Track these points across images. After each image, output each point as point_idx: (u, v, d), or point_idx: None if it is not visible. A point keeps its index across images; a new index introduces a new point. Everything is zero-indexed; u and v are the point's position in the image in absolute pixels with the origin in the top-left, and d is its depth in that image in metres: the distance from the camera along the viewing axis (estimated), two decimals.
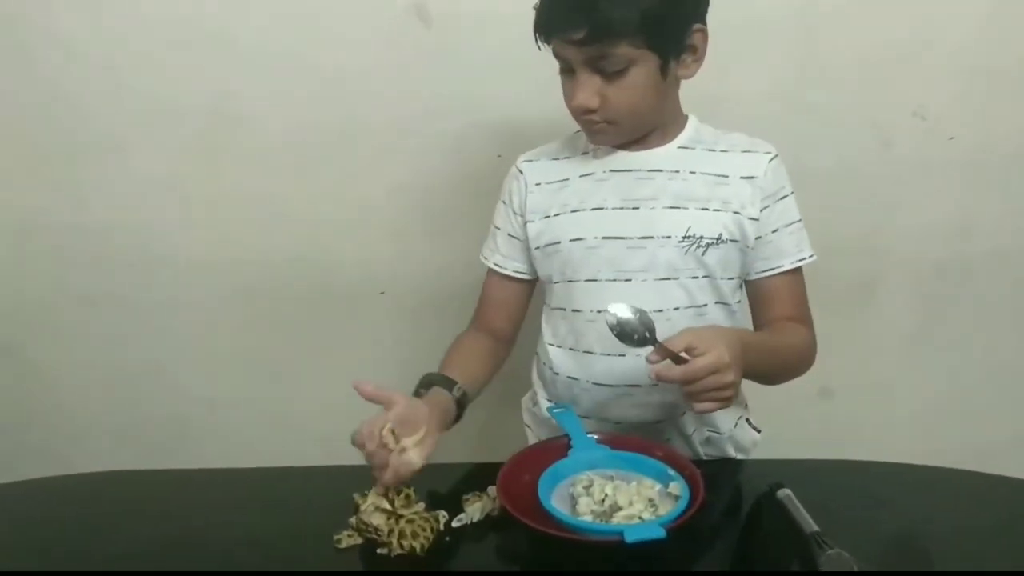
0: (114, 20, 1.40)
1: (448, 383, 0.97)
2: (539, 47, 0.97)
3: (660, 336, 0.85)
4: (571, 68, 0.96)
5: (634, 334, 0.86)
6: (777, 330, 1.02)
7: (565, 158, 1.08)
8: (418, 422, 0.86)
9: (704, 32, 0.96)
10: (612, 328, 0.87)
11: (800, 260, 1.04)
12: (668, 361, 0.83)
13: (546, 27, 0.94)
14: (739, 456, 1.11)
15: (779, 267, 1.03)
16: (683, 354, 0.83)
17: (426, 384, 0.97)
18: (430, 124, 1.43)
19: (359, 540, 0.83)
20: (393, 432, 0.83)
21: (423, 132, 1.44)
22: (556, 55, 0.96)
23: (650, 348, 0.85)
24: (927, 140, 1.41)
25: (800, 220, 1.04)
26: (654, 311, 0.97)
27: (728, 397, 0.85)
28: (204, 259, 1.53)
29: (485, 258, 1.14)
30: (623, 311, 0.87)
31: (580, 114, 0.98)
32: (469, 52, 1.38)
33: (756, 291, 1.06)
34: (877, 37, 1.36)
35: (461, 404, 0.97)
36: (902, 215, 1.46)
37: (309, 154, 1.46)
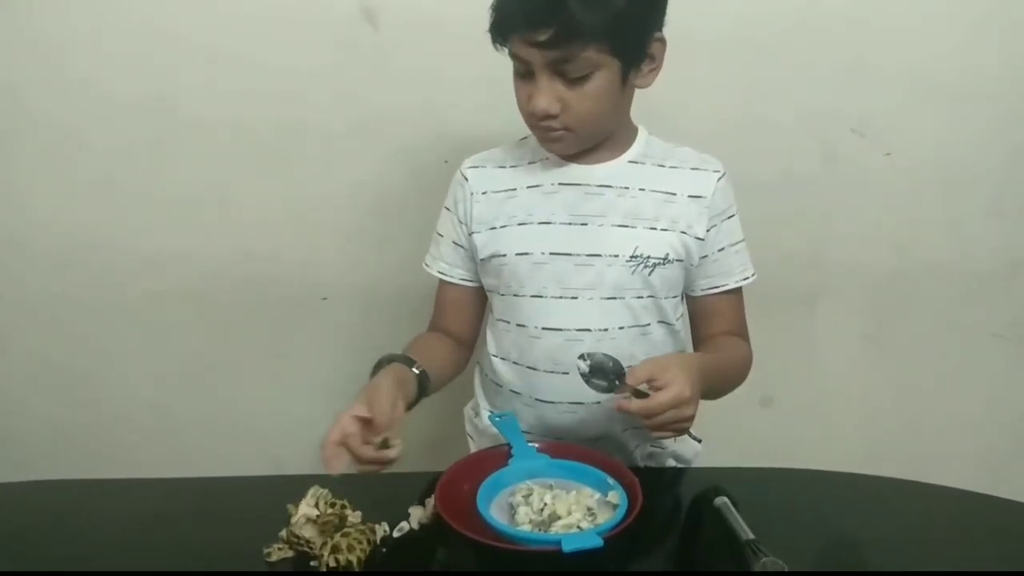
0: (58, 15, 1.36)
1: (408, 361, 0.94)
2: (496, 47, 0.93)
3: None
4: (529, 71, 0.91)
5: (603, 381, 0.86)
6: (722, 347, 1.04)
7: (512, 167, 1.06)
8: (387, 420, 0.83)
9: (663, 41, 0.95)
10: (583, 376, 0.87)
11: (744, 279, 1.06)
12: (628, 393, 0.84)
13: (507, 25, 0.90)
14: (680, 466, 1.12)
15: (724, 286, 1.05)
16: (644, 386, 0.83)
17: (386, 361, 0.94)
18: (376, 128, 1.41)
19: (290, 553, 0.81)
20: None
21: (369, 136, 1.42)
22: (514, 56, 0.92)
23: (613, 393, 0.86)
24: (867, 156, 1.45)
25: (743, 240, 1.06)
26: (599, 330, 0.99)
27: (685, 428, 0.87)
28: (146, 259, 1.49)
29: (427, 265, 1.11)
30: (597, 359, 0.87)
31: (538, 120, 0.93)
32: (417, 57, 1.37)
33: (699, 307, 1.07)
34: (820, 54, 1.39)
35: (422, 383, 0.94)
36: (844, 228, 1.49)
37: (254, 155, 1.43)
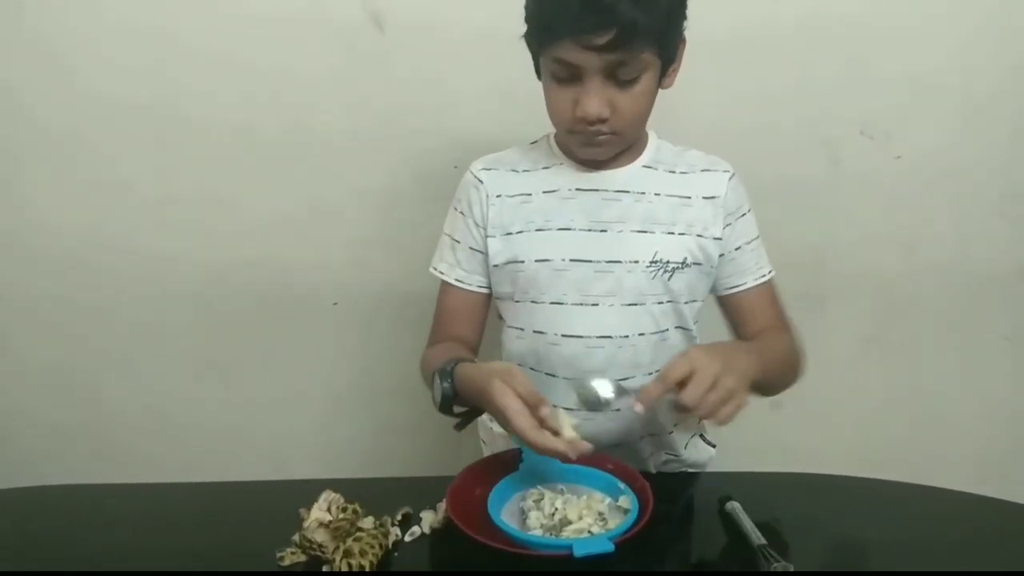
0: (58, 15, 1.35)
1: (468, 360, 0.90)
2: (538, 52, 0.90)
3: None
4: (574, 75, 0.88)
5: (604, 409, 0.88)
6: (766, 340, 1.00)
7: (525, 171, 1.04)
8: None
9: (685, 41, 0.94)
10: (585, 404, 0.87)
11: (761, 277, 1.04)
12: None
13: (560, 29, 0.85)
14: (691, 471, 1.11)
15: (743, 284, 1.04)
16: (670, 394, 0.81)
17: (453, 363, 0.88)
18: (385, 132, 1.41)
19: (303, 557, 0.81)
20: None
21: (377, 140, 1.41)
22: (559, 61, 0.88)
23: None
24: (872, 158, 1.45)
25: (759, 236, 1.05)
26: (619, 337, 0.98)
27: (738, 403, 0.79)
28: (151, 263, 1.48)
29: (442, 272, 1.06)
30: (605, 390, 0.87)
31: (588, 124, 0.90)
32: (425, 61, 1.36)
33: (731, 307, 1.05)
34: (825, 56, 1.39)
35: None
36: (850, 230, 1.49)
37: (261, 158, 1.43)
